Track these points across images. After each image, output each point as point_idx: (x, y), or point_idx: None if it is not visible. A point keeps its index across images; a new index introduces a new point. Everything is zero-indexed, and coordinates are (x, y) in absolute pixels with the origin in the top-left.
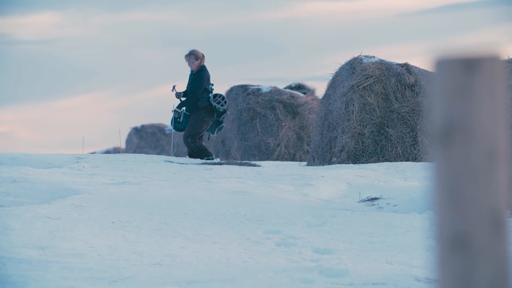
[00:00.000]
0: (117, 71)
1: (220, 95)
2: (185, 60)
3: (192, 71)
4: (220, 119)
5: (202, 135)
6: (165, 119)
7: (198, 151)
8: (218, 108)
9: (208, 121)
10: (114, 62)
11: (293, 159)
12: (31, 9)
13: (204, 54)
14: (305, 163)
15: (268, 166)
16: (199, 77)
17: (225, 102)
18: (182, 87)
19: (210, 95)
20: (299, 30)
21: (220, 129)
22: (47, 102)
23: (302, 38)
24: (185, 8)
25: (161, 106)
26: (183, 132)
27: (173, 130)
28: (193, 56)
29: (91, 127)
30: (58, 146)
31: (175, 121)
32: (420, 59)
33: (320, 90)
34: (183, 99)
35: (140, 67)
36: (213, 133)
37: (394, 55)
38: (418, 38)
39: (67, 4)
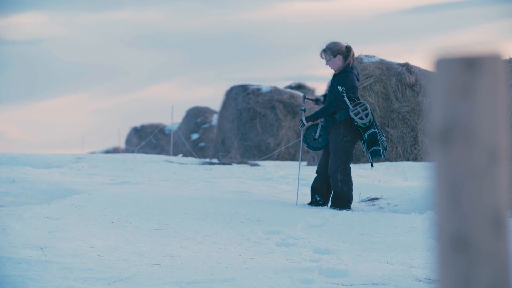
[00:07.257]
0: (106, 71)
1: (362, 103)
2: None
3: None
4: (367, 137)
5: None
6: (163, 119)
7: (341, 197)
8: (357, 121)
9: (351, 140)
10: (102, 61)
11: (293, 159)
12: (15, 10)
13: (348, 47)
14: (305, 163)
15: (268, 166)
16: (339, 80)
17: (366, 114)
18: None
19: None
20: (282, 30)
21: (376, 154)
22: (39, 102)
23: (282, 38)
24: (167, 8)
25: (158, 105)
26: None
27: (172, 130)
28: (329, 51)
29: (86, 127)
30: (55, 146)
31: (309, 137)
32: (418, 58)
33: (320, 90)
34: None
35: (128, 66)
36: (370, 160)
37: (390, 53)
38: (407, 37)
39: (51, 5)
